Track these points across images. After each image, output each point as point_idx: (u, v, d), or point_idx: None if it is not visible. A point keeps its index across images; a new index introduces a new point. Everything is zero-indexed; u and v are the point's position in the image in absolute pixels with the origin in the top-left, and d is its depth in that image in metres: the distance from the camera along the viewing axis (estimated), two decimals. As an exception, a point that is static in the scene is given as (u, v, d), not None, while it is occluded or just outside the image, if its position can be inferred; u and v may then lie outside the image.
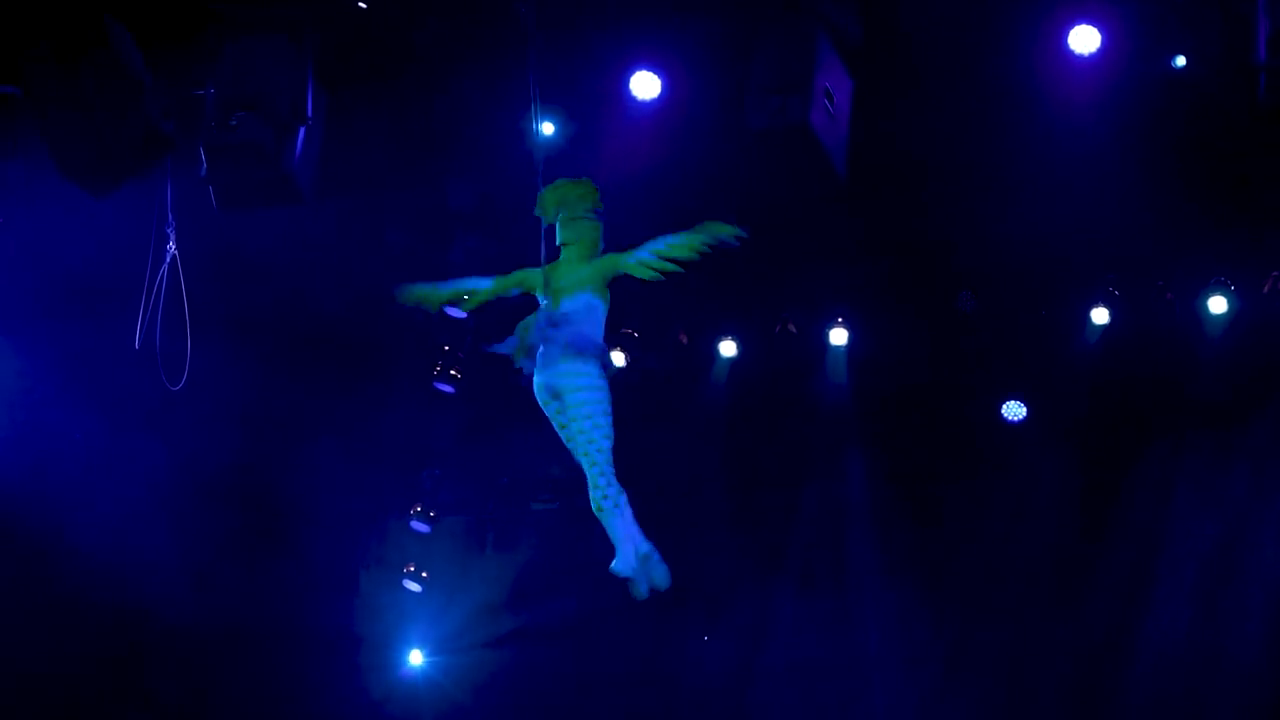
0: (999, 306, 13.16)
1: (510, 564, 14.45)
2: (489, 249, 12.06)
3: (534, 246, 8.14)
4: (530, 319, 8.06)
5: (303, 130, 10.51)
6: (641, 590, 7.86)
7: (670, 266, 7.97)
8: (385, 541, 14.29)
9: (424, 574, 14.40)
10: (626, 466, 14.38)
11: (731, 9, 10.86)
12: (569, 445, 7.99)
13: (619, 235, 11.81)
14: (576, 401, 7.88)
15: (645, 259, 8.00)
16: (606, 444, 7.86)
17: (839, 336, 13.55)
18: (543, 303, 8.00)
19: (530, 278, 8.06)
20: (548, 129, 10.91)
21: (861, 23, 10.64)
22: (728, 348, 13.79)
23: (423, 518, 14.25)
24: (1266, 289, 12.73)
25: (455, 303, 8.48)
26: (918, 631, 13.97)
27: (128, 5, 10.18)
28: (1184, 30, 10.81)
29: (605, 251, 8.16)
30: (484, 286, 8.16)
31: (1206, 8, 10.66)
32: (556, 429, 8.05)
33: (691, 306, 13.64)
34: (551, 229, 8.10)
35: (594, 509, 7.89)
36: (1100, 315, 13.06)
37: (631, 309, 12.33)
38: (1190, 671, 13.46)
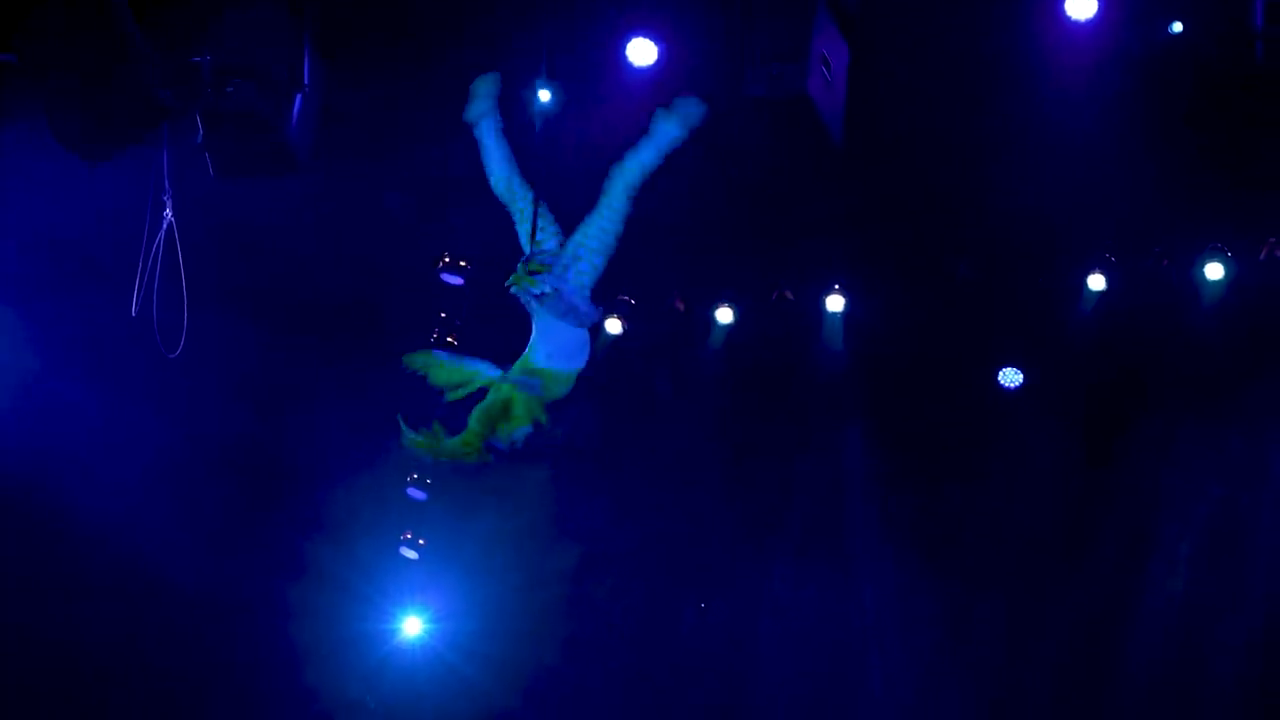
0: (996, 273, 13.16)
1: (506, 532, 14.46)
2: (487, 216, 12.03)
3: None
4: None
5: (299, 98, 10.45)
6: None
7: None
8: (382, 509, 14.30)
9: (421, 541, 14.43)
10: (624, 432, 14.45)
11: (728, -25, 10.82)
12: None
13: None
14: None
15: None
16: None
17: (835, 303, 13.56)
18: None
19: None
20: (544, 96, 10.87)
21: (858, -11, 10.60)
22: (724, 314, 13.79)
23: (419, 485, 14.27)
24: (1263, 255, 12.73)
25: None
26: (916, 599, 14.00)
27: (123, -29, 10.13)
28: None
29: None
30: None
31: (1203, -27, 10.65)
32: None
33: (688, 273, 13.64)
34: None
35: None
36: (1097, 282, 13.06)
37: (628, 275, 12.35)
38: (1189, 638, 13.49)
